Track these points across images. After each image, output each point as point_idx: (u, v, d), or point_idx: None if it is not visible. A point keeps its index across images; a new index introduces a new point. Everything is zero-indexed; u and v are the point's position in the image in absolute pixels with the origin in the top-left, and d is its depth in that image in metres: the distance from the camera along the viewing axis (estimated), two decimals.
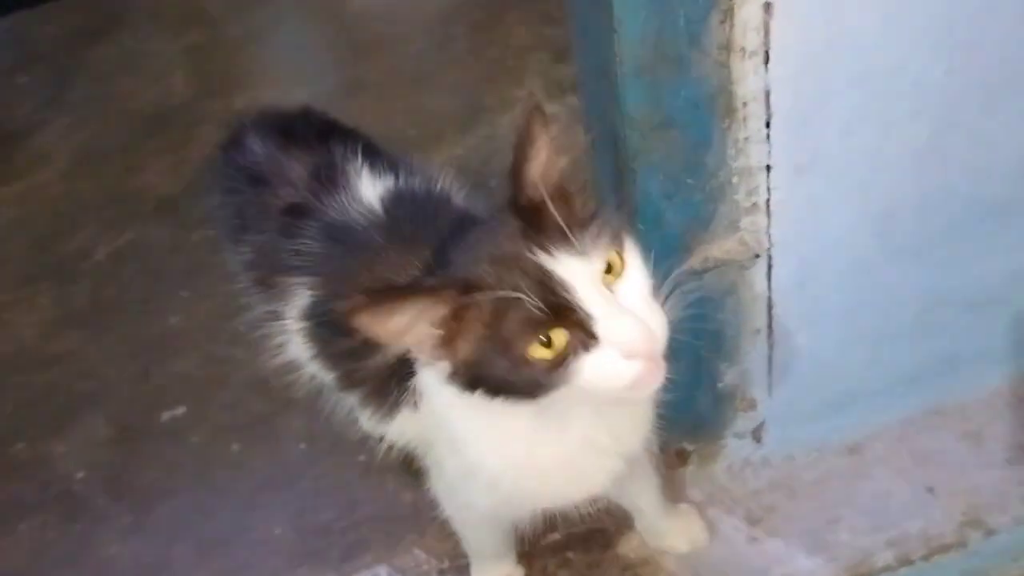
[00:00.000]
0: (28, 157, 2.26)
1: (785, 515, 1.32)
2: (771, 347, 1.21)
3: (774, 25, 0.85)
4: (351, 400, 1.10)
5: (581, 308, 0.72)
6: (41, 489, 1.57)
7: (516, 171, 0.77)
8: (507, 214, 0.79)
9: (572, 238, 0.74)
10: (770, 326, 1.18)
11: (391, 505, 1.44)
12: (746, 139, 0.95)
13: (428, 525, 1.39)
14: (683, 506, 1.33)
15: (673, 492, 1.35)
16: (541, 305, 0.72)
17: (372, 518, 1.44)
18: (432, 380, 0.88)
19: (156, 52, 2.51)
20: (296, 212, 1.08)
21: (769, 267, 1.10)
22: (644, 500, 1.26)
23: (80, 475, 1.57)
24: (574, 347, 0.73)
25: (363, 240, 1.01)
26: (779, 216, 1.04)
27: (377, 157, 1.13)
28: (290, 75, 2.31)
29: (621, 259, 0.77)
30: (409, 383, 0.93)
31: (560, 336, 0.73)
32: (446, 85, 2.17)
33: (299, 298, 1.06)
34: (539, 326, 0.72)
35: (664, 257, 0.80)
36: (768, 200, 1.02)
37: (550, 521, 1.12)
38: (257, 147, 1.16)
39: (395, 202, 1.05)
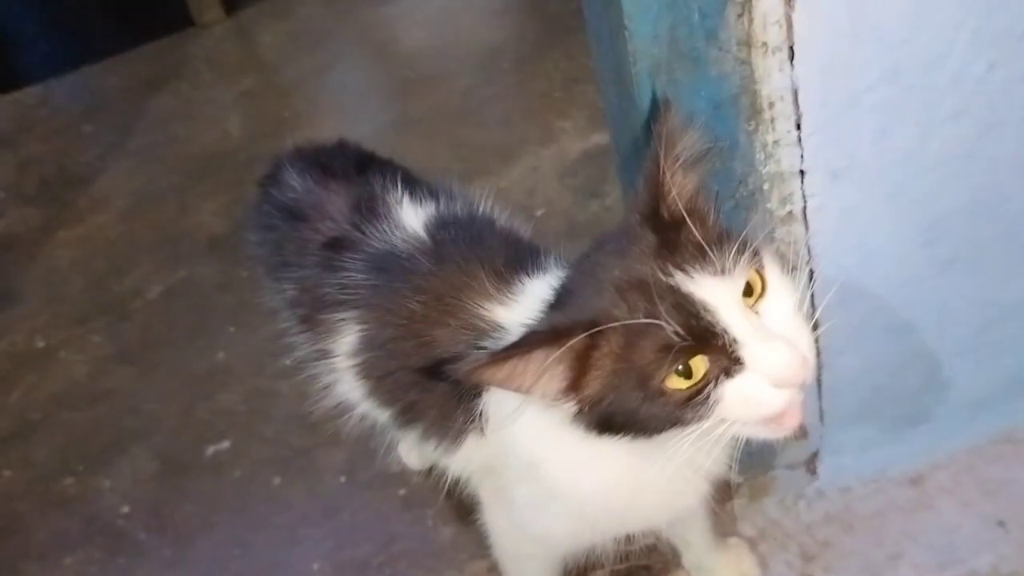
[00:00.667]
0: (89, 201, 2.32)
1: (841, 551, 1.25)
2: (819, 368, 1.15)
3: (796, 18, 0.81)
4: (411, 435, 1.07)
5: (726, 332, 0.68)
6: (86, 524, 1.58)
7: (653, 180, 0.73)
8: (641, 229, 0.74)
9: (712, 256, 0.70)
10: (817, 347, 1.12)
11: (430, 540, 1.42)
12: (775, 142, 0.90)
13: (467, 561, 1.36)
14: (733, 540, 1.27)
15: (723, 526, 1.29)
16: (681, 331, 0.67)
17: (410, 553, 1.41)
18: (510, 406, 0.86)
19: (212, 99, 2.57)
20: (337, 246, 1.06)
21: (810, 281, 1.04)
22: (693, 533, 1.20)
23: (124, 510, 1.58)
24: (714, 375, 0.69)
25: (410, 267, 0.99)
26: (817, 225, 0.98)
27: (416, 185, 1.11)
28: (340, 115, 2.34)
29: (762, 277, 0.73)
30: (475, 408, 0.90)
31: (700, 364, 0.68)
32: (492, 119, 2.18)
33: (347, 334, 1.03)
34: (679, 354, 0.68)
35: None
36: (804, 208, 0.96)
37: (594, 560, 1.07)
38: (294, 182, 1.14)
39: (439, 227, 1.03)
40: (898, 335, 1.13)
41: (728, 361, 0.68)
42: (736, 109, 0.87)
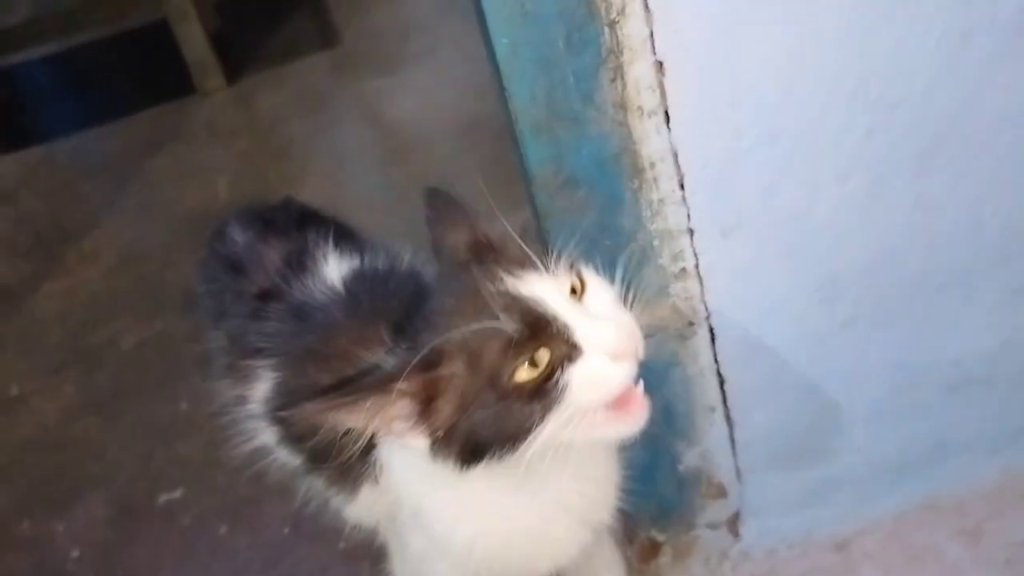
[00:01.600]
0: (78, 256, 2.40)
1: None
2: (731, 426, 1.17)
3: (669, 84, 0.86)
4: (318, 483, 1.10)
5: (557, 319, 0.72)
6: (36, 566, 1.61)
7: (436, 248, 0.81)
8: (457, 267, 0.80)
9: (534, 260, 0.76)
10: (725, 403, 1.14)
11: None
12: (661, 200, 0.94)
13: None
14: None
15: None
16: (517, 325, 0.72)
17: None
18: (395, 453, 0.89)
19: (206, 161, 2.66)
20: (266, 297, 1.12)
21: (712, 337, 1.07)
22: None
23: (75, 554, 1.61)
24: (559, 361, 0.72)
25: (323, 319, 1.03)
26: (712, 282, 1.01)
27: (348, 240, 1.17)
28: (326, 178, 2.40)
29: (581, 280, 0.78)
30: (371, 457, 0.93)
31: (543, 355, 0.72)
32: (467, 186, 2.23)
33: (264, 381, 1.08)
34: (520, 347, 0.72)
35: None
36: (697, 265, 1.00)
37: None
38: (238, 236, 1.21)
39: (356, 281, 1.08)
40: (806, 394, 1.14)
41: (567, 347, 0.72)
42: (619, 167, 0.91)
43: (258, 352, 1.08)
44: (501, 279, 0.74)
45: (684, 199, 0.93)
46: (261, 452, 1.16)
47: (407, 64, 2.83)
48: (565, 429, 0.73)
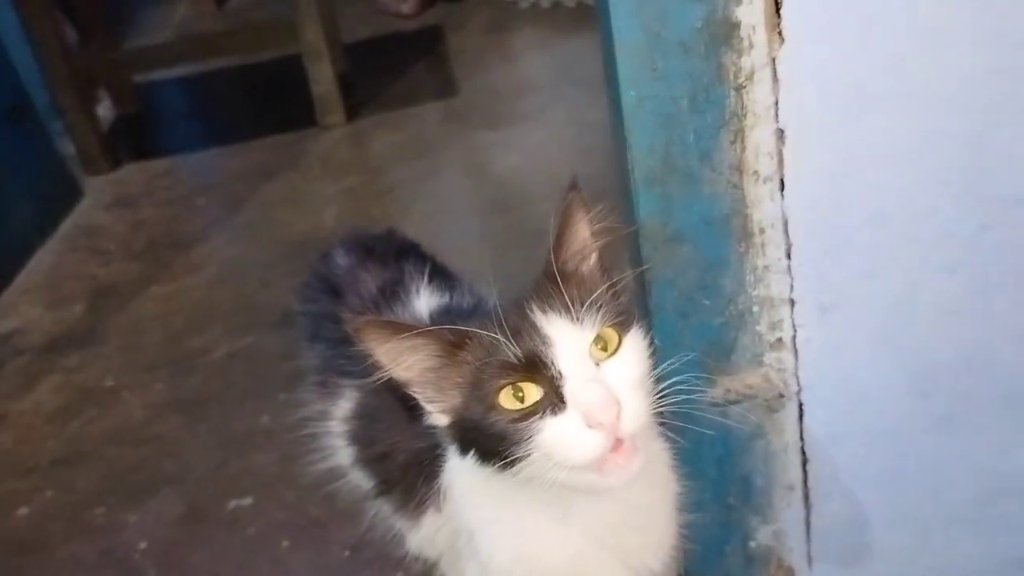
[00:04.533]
0: (185, 264, 2.51)
1: None
2: (808, 509, 1.15)
3: (787, 152, 0.87)
4: (386, 508, 1.13)
5: (554, 365, 0.74)
6: (104, 553, 1.66)
7: (555, 246, 0.83)
8: (540, 282, 0.82)
9: (572, 308, 0.77)
10: (805, 483, 1.12)
11: None
12: (766, 267, 0.94)
13: None
14: None
15: None
16: (518, 352, 0.74)
17: None
18: (456, 473, 0.91)
19: (317, 192, 2.77)
20: None
21: (800, 414, 1.06)
22: None
23: (142, 546, 1.66)
24: (543, 407, 0.74)
25: None
26: (806, 357, 1.01)
27: (440, 278, 1.21)
28: (425, 219, 2.47)
29: (619, 339, 0.78)
30: (435, 483, 0.96)
31: (533, 393, 0.74)
32: None
33: (346, 400, 1.12)
34: (511, 372, 0.75)
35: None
36: (794, 337, 1.00)
37: None
38: (340, 260, 1.26)
39: (442, 315, 1.12)
40: (889, 487, 1.11)
41: (555, 397, 0.74)
42: (728, 229, 0.92)
43: (344, 373, 1.12)
44: (535, 311, 0.77)
45: (789, 268, 0.94)
46: (336, 472, 1.19)
47: (517, 121, 2.92)
48: (541, 470, 0.75)
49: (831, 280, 0.95)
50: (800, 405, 1.05)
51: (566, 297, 0.77)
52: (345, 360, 1.13)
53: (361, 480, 1.14)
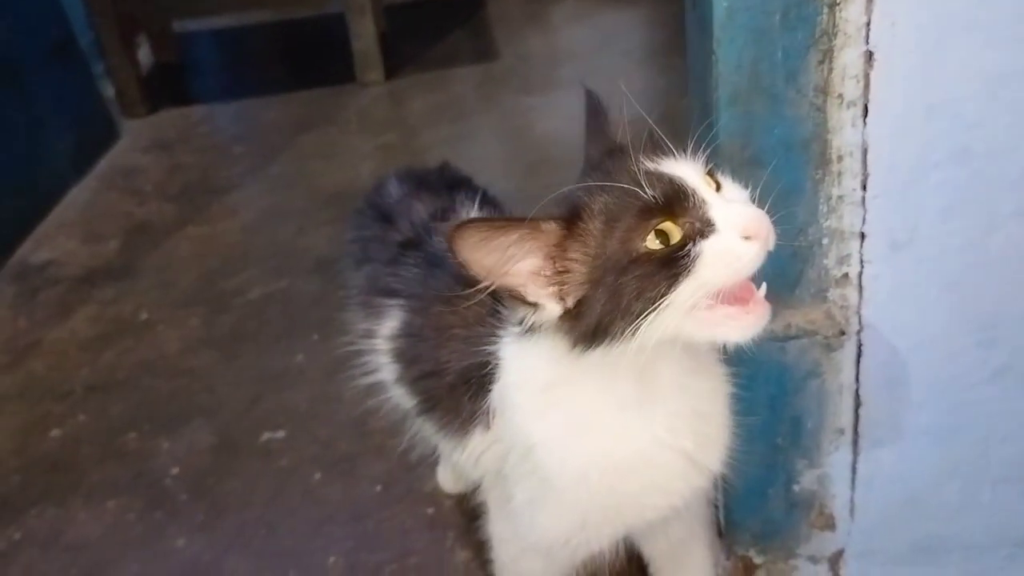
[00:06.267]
0: (220, 209, 2.52)
1: None
2: (856, 455, 1.14)
3: (874, 76, 0.86)
4: (429, 426, 1.13)
5: (696, 194, 0.75)
6: (136, 476, 1.67)
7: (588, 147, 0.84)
8: (620, 149, 0.83)
9: (673, 151, 0.79)
10: (856, 428, 1.12)
11: (445, 560, 1.45)
12: (840, 198, 0.94)
13: None
14: None
15: None
16: (657, 194, 0.75)
17: (423, 568, 1.44)
18: (512, 385, 0.91)
19: (354, 146, 2.77)
20: (408, 246, 1.17)
21: (859, 355, 1.06)
22: None
23: (174, 471, 1.67)
24: (692, 235, 0.75)
25: (456, 269, 1.07)
26: (871, 295, 1.00)
27: (493, 208, 1.22)
28: None
29: (716, 180, 0.80)
30: (481, 401, 0.96)
31: (674, 230, 0.75)
32: None
33: (391, 319, 1.12)
34: (656, 214, 0.75)
35: None
36: (860, 274, 0.99)
37: None
38: (393, 190, 1.27)
39: None
40: (940, 440, 1.11)
41: (701, 223, 0.75)
42: (806, 155, 0.91)
43: (391, 292, 1.12)
44: (643, 162, 0.77)
45: (864, 200, 0.93)
46: (377, 388, 1.19)
47: (556, 88, 2.91)
48: (688, 312, 0.74)
49: (905, 216, 0.95)
50: (859, 345, 1.05)
51: (667, 144, 0.79)
52: (392, 279, 1.14)
53: (403, 398, 1.14)
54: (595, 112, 0.88)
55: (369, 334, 1.17)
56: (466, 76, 3.12)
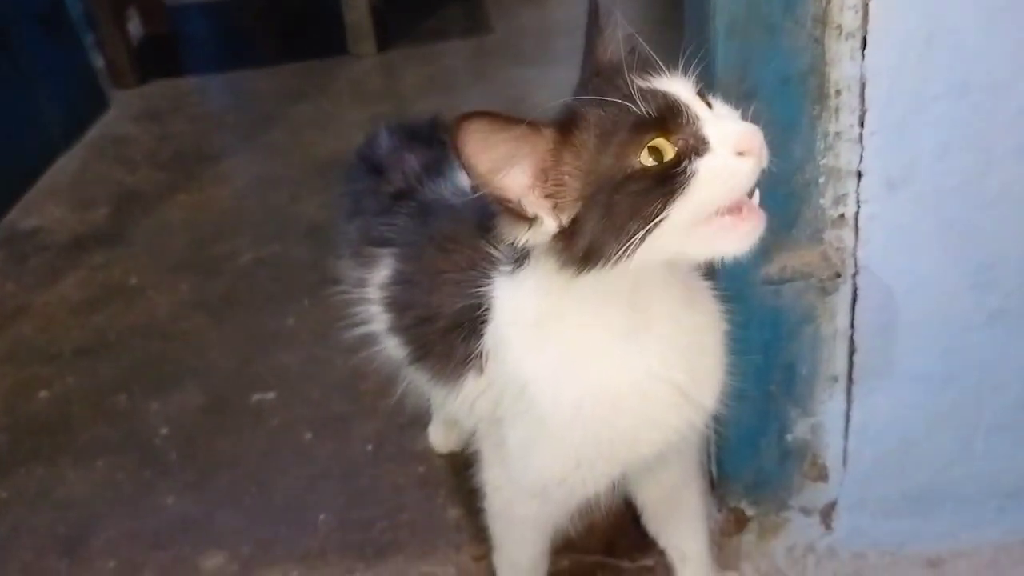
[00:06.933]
0: (212, 176, 2.51)
1: None
2: (849, 403, 1.14)
3: (873, 5, 0.86)
4: (421, 375, 1.12)
5: (689, 110, 0.75)
6: (126, 436, 1.66)
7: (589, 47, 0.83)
8: (612, 65, 0.81)
9: (664, 68, 0.78)
10: (850, 375, 1.11)
11: (436, 517, 1.44)
12: (837, 134, 0.93)
13: (466, 543, 1.37)
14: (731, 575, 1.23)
15: (725, 559, 1.26)
16: (650, 109, 0.74)
17: (414, 524, 1.43)
18: (504, 323, 0.90)
19: (346, 116, 2.75)
20: (400, 196, 1.16)
21: (854, 299, 1.05)
22: (690, 545, 1.19)
23: (164, 431, 1.65)
24: (688, 153, 0.74)
25: (449, 215, 1.06)
26: (868, 236, 1.00)
27: None
28: None
29: (706, 100, 0.79)
30: (474, 344, 0.95)
31: (668, 147, 0.74)
32: None
33: (383, 268, 1.11)
34: (650, 129, 0.74)
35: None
36: (857, 214, 0.98)
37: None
38: (384, 142, 1.26)
39: None
40: (933, 386, 1.11)
41: (695, 139, 0.74)
42: (803, 88, 0.91)
43: (384, 241, 1.11)
44: (634, 80, 0.76)
45: (861, 137, 0.93)
46: (370, 339, 1.18)
47: (550, 61, 2.89)
48: (682, 229, 0.73)
49: (902, 153, 0.94)
50: (855, 289, 1.04)
51: (655, 59, 0.78)
52: (385, 228, 1.13)
53: (396, 348, 1.13)
54: (596, 19, 0.85)
55: (361, 283, 1.16)
56: (459, 49, 3.11)
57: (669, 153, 0.74)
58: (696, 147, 0.74)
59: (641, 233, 0.73)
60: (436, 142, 1.24)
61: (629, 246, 0.74)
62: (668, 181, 0.73)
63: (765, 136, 0.79)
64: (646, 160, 0.74)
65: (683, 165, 0.73)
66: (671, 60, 0.80)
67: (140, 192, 2.47)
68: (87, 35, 3.00)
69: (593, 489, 0.99)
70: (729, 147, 0.73)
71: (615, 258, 0.75)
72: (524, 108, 2.52)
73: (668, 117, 0.74)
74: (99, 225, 2.34)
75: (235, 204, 2.37)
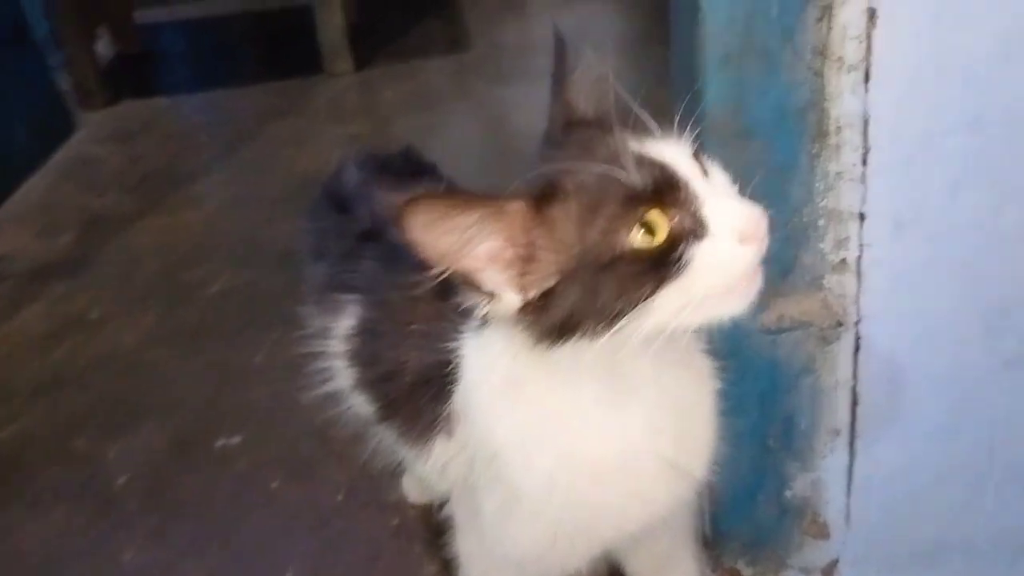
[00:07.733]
0: (183, 199, 2.42)
1: None
2: (852, 457, 1.06)
3: (877, 36, 0.78)
4: (389, 435, 1.04)
5: (689, 187, 0.66)
6: (84, 483, 1.57)
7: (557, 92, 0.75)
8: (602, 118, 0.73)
9: (659, 128, 0.69)
10: (853, 428, 1.04)
11: (411, 572, 1.34)
12: (838, 174, 0.86)
13: None
14: None
15: None
16: (646, 180, 0.65)
17: None
18: (474, 384, 0.82)
19: (323, 134, 2.68)
20: (367, 238, 1.08)
21: (856, 348, 0.97)
22: None
23: (123, 479, 1.56)
24: (684, 234, 0.65)
25: (416, 264, 0.99)
26: (871, 282, 0.92)
27: None
28: None
29: (702, 165, 0.70)
30: (443, 404, 0.87)
31: (662, 222, 0.65)
32: None
33: (349, 317, 1.03)
34: (644, 204, 0.65)
35: None
36: (860, 259, 0.91)
37: None
38: (352, 178, 1.18)
39: None
40: (942, 438, 1.03)
41: (693, 220, 0.65)
42: (802, 125, 0.83)
43: (347, 287, 1.04)
44: (626, 139, 0.67)
45: (864, 177, 0.85)
46: (335, 397, 1.10)
47: (530, 79, 2.81)
48: (676, 312, 0.65)
49: (909, 193, 0.87)
50: (857, 338, 0.97)
51: (648, 122, 0.68)
52: (349, 274, 1.04)
53: (362, 405, 1.05)
54: (563, 59, 0.77)
55: (325, 333, 1.08)
56: (439, 66, 3.04)
57: (663, 228, 0.65)
58: (694, 230, 0.65)
59: (625, 315, 0.65)
60: (407, 176, 1.17)
61: (610, 326, 0.66)
62: (661, 265, 0.65)
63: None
64: (637, 238, 0.65)
65: (679, 250, 0.65)
66: (658, 85, 0.71)
67: (107, 217, 2.38)
68: (54, 55, 2.91)
69: (574, 565, 0.90)
70: (730, 233, 0.65)
71: (592, 333, 0.67)
72: (502, 127, 2.46)
73: (665, 191, 0.66)
74: (63, 253, 2.25)
75: (207, 227, 2.28)
